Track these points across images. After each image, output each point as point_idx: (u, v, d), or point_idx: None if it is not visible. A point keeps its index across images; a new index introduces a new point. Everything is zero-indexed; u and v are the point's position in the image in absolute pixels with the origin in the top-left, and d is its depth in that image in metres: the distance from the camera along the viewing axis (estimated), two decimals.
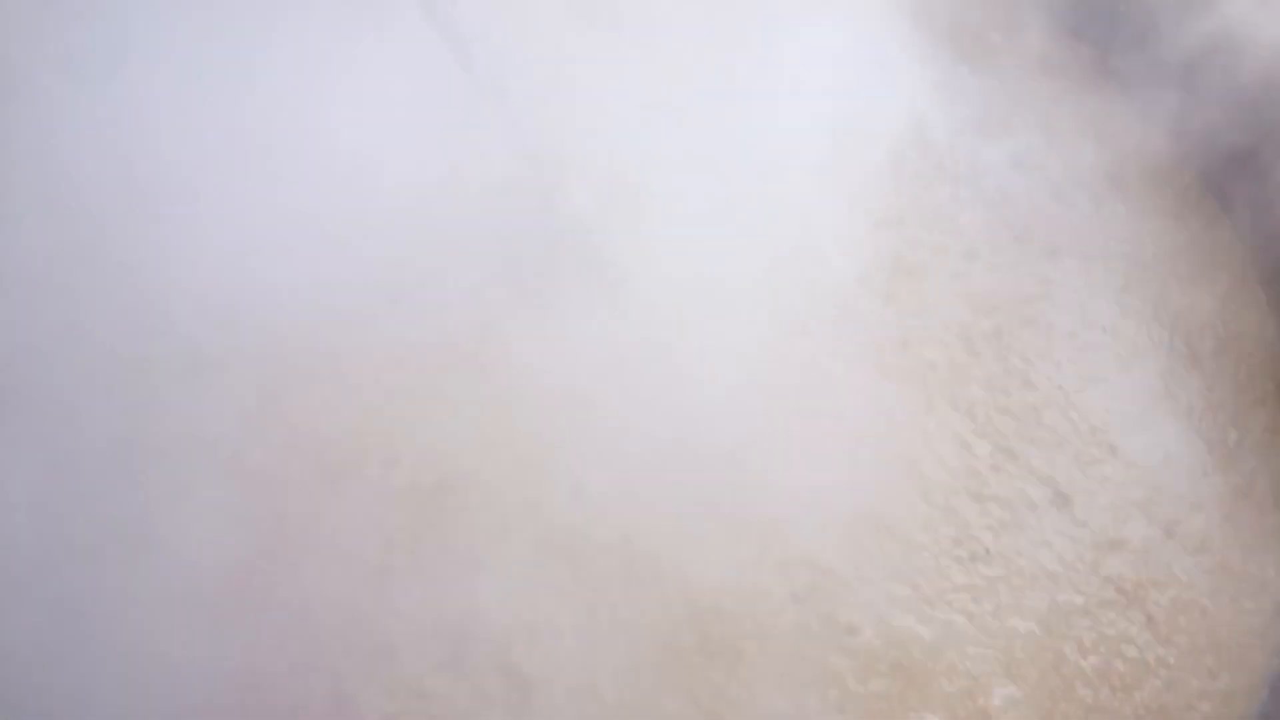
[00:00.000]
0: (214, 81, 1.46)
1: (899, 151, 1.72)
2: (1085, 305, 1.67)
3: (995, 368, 1.59)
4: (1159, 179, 1.81)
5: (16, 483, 1.22)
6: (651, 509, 1.38)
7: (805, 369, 1.53)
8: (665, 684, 1.29)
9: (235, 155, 1.41)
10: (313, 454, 1.37)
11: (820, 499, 1.44)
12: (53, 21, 1.46)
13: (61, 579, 1.22)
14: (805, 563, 1.39)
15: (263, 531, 1.28)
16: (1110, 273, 1.70)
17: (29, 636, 1.17)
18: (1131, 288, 1.70)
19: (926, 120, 1.75)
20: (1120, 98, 1.87)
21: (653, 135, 1.60)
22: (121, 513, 1.25)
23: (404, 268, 1.45)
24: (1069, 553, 1.49)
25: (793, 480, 1.43)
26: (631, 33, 1.67)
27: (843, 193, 1.65)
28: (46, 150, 1.42)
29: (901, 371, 1.56)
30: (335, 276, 1.42)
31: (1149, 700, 1.42)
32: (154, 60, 1.43)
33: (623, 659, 1.29)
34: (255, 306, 1.34)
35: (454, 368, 1.46)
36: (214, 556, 1.22)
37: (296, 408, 1.39)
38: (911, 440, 1.51)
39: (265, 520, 1.29)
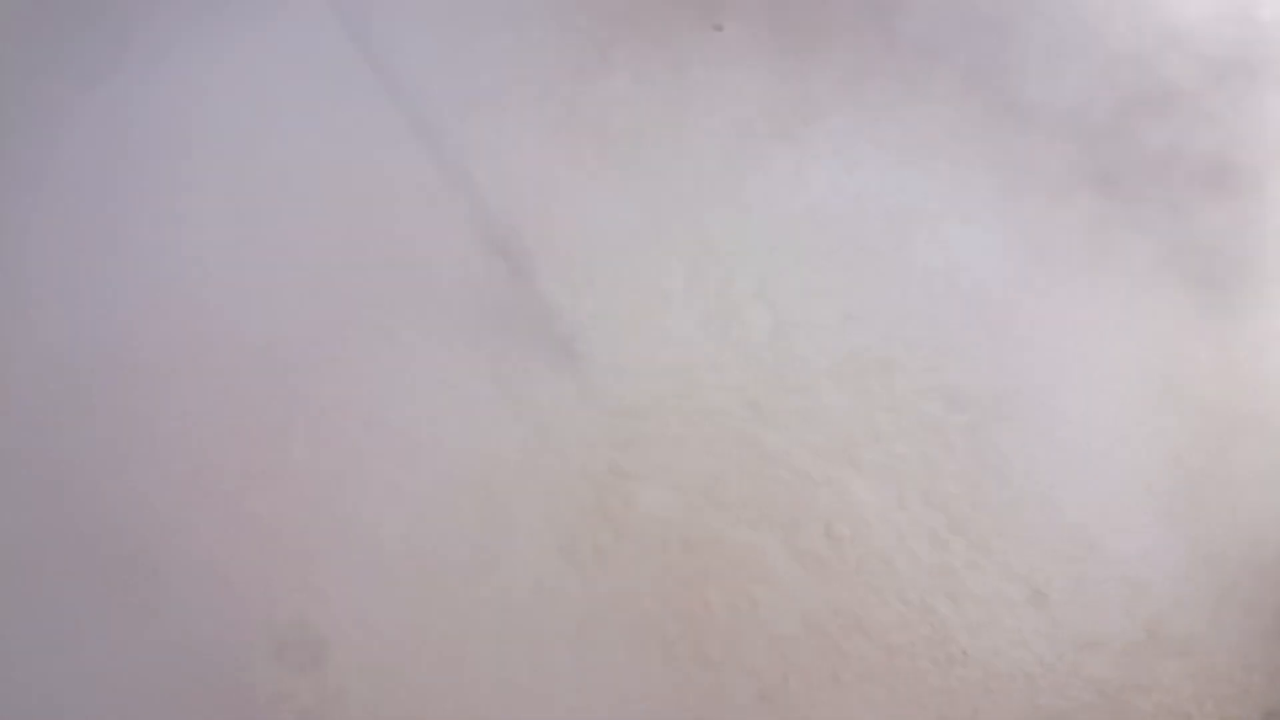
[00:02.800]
0: None
1: (869, 245, 1.73)
2: (1062, 401, 1.65)
3: (970, 463, 1.57)
4: (1145, 278, 1.82)
5: None
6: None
7: (773, 460, 1.50)
8: None
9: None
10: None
11: (794, 596, 1.40)
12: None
13: None
14: (780, 660, 1.35)
15: None
16: (1090, 367, 1.69)
17: None
18: (1119, 383, 1.67)
19: (895, 214, 1.76)
20: (1107, 199, 1.89)
21: (620, 228, 1.62)
22: None
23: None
24: (1048, 654, 1.45)
25: (760, 578, 1.41)
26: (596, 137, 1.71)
27: (811, 288, 1.65)
28: None
29: (873, 465, 1.54)
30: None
31: None
32: None
33: None
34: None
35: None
36: None
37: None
38: (885, 536, 1.48)
39: None
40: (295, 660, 1.25)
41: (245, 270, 1.51)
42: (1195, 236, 1.75)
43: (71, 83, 1.54)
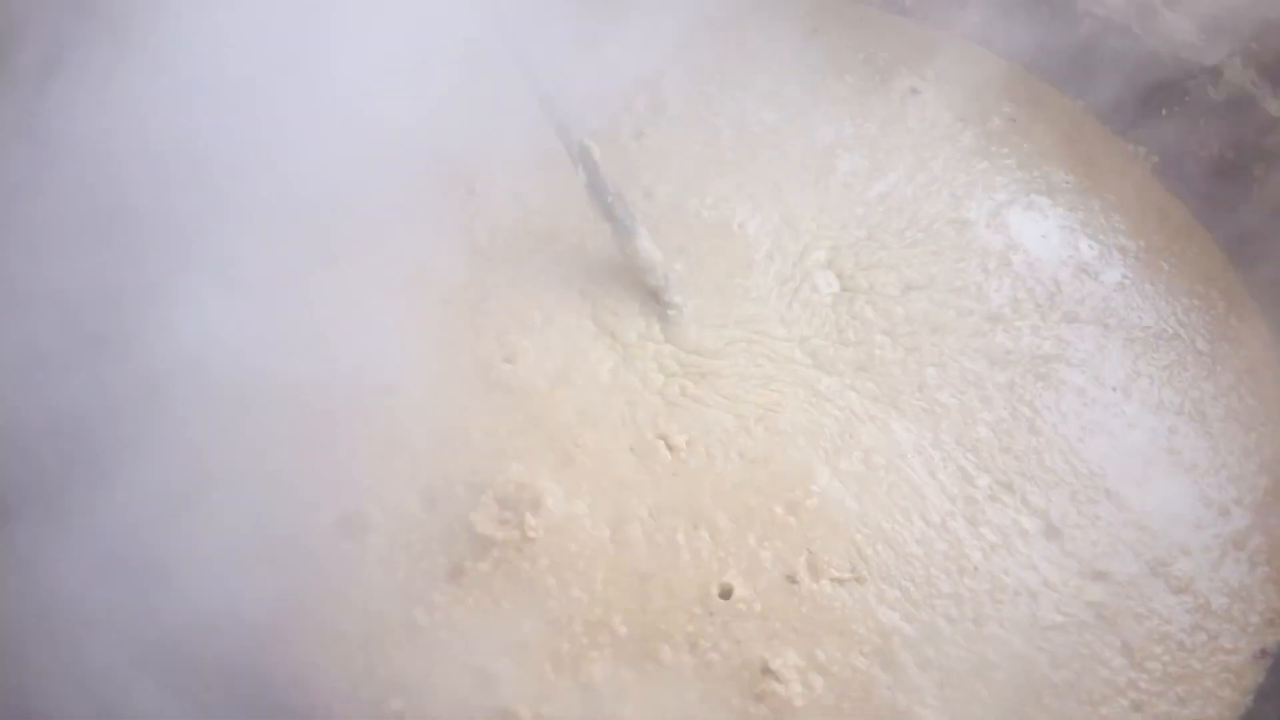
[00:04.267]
0: None
1: (933, 227, 1.97)
2: (1099, 367, 1.84)
3: (1004, 414, 1.79)
4: (1189, 261, 1.98)
5: None
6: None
7: (829, 400, 1.78)
8: None
9: None
10: None
11: (828, 506, 1.68)
12: None
13: None
14: (804, 551, 1.63)
15: None
16: (1128, 340, 1.87)
17: None
18: (1147, 355, 1.86)
19: (962, 199, 2.00)
20: (1158, 185, 2.06)
21: (715, 205, 1.95)
22: None
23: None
24: (1054, 577, 1.66)
25: (805, 489, 1.69)
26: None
27: (876, 261, 1.92)
28: None
29: (915, 410, 1.78)
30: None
31: (1114, 716, 1.56)
32: None
33: None
34: None
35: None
36: None
37: None
38: (917, 468, 1.73)
39: None
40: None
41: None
42: None
43: None
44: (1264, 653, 1.63)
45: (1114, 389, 1.83)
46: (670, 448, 1.71)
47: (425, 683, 1.52)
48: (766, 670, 1.55)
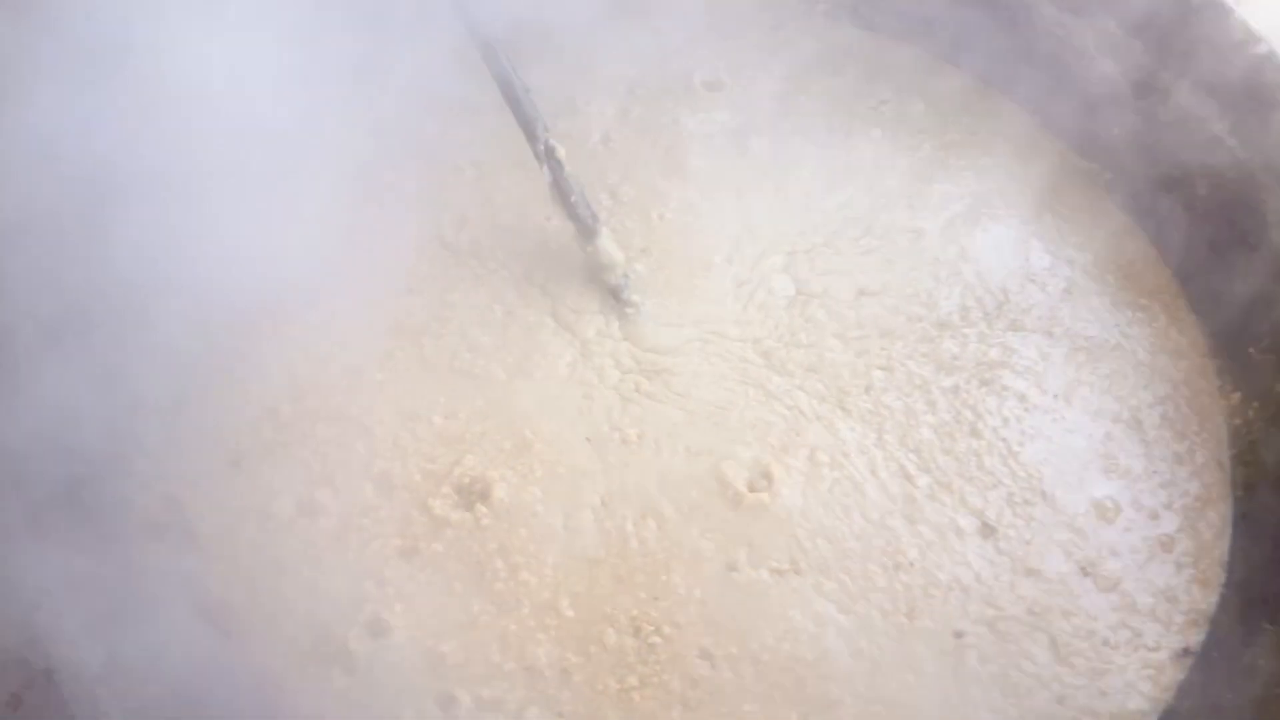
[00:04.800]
0: None
1: (889, 236, 2.04)
2: (1042, 374, 1.91)
3: (947, 417, 1.86)
4: (1135, 275, 2.04)
5: None
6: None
7: (778, 399, 1.84)
8: None
9: None
10: None
11: (772, 501, 1.74)
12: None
13: None
14: (745, 543, 1.70)
15: None
16: (1072, 349, 1.94)
17: None
18: (1089, 364, 1.93)
19: (918, 210, 2.07)
20: (1108, 200, 2.13)
21: (677, 209, 2.02)
22: None
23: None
24: (986, 574, 1.72)
25: (755, 482, 1.75)
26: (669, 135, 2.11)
27: (831, 267, 1.98)
28: None
29: (861, 411, 1.85)
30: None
31: (1038, 708, 1.63)
32: None
33: None
34: None
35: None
36: None
37: None
38: (860, 467, 1.79)
39: None
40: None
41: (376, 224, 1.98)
42: None
43: None
44: (1186, 651, 1.69)
45: (1055, 395, 1.89)
46: (624, 441, 1.78)
47: (373, 660, 1.59)
48: (705, 654, 1.62)
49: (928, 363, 1.91)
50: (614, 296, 1.91)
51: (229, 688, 1.56)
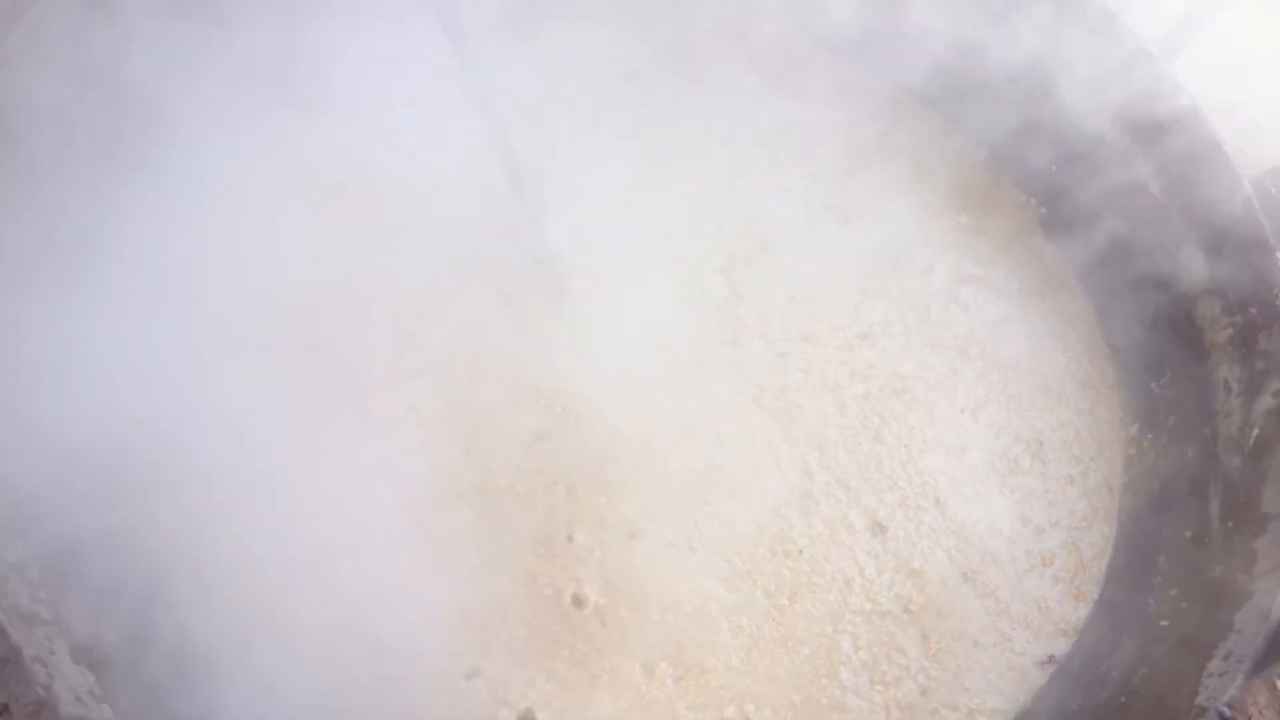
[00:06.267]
0: None
1: (824, 245, 2.14)
2: (953, 390, 2.01)
3: (854, 421, 1.96)
4: (1057, 306, 2.14)
5: None
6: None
7: (697, 389, 1.95)
8: None
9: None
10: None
11: (676, 480, 1.85)
12: None
13: None
14: (647, 514, 1.81)
15: None
16: (986, 369, 2.04)
17: None
18: (1001, 385, 2.03)
19: (857, 228, 2.17)
20: (1039, 233, 2.23)
21: (627, 205, 2.13)
22: None
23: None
24: (870, 570, 1.82)
25: (659, 462, 1.86)
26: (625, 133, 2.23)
27: (765, 272, 2.09)
28: None
29: (774, 407, 1.95)
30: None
31: (901, 698, 1.72)
32: None
33: None
34: None
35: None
36: None
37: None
38: (764, 457, 1.90)
39: None
40: None
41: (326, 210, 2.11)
42: None
43: None
44: (1051, 659, 1.78)
45: (962, 410, 1.99)
46: (547, 411, 1.90)
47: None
48: (594, 608, 1.73)
49: (843, 369, 2.02)
50: (555, 282, 2.02)
51: None
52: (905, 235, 2.18)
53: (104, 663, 1.41)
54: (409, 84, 2.04)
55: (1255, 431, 1.77)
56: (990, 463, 1.95)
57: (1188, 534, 1.79)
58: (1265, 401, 1.78)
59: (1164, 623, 1.71)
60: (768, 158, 2.25)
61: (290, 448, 1.77)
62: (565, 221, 2.05)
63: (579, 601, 1.73)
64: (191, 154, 1.98)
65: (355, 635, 1.66)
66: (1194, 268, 1.98)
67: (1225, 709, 1.47)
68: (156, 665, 1.48)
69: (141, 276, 1.86)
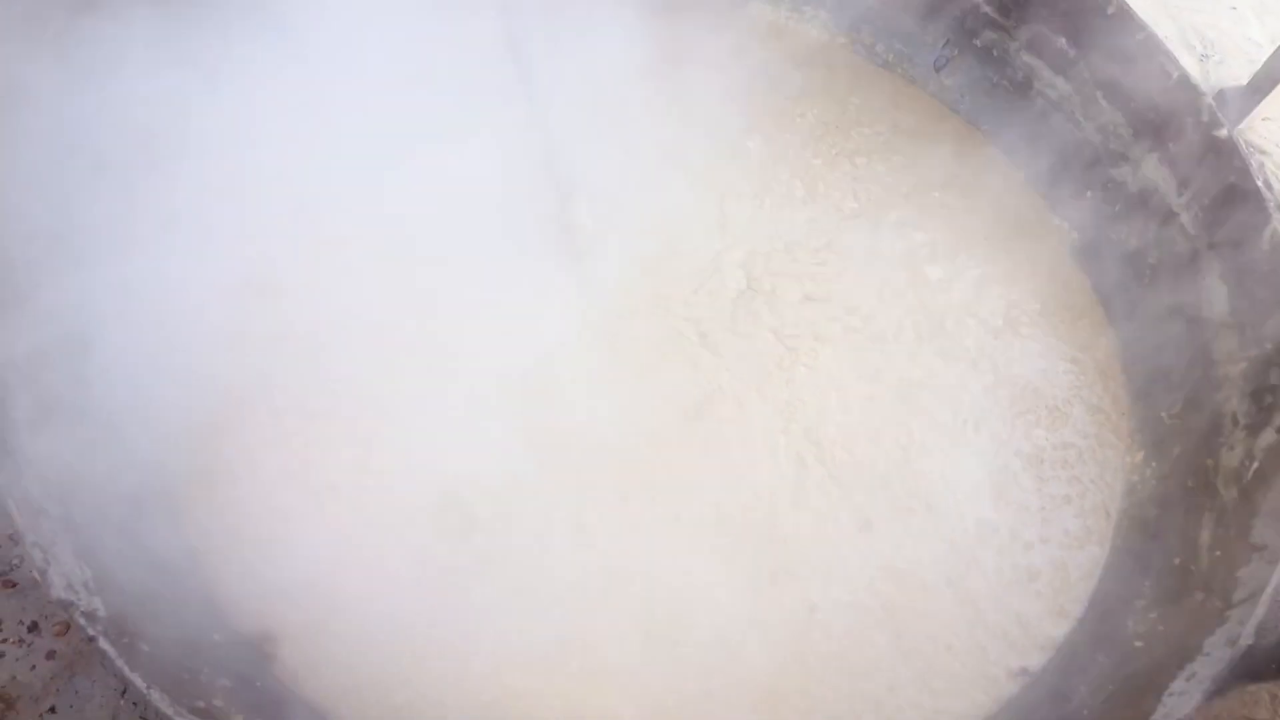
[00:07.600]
0: None
1: (848, 254, 2.18)
2: (958, 399, 2.02)
3: (855, 420, 1.98)
4: (1076, 330, 2.14)
5: None
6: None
7: (703, 374, 2.00)
8: None
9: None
10: None
11: (672, 448, 1.91)
12: None
13: None
14: (643, 490, 1.86)
15: None
16: (995, 383, 2.04)
17: None
18: (1008, 401, 2.03)
19: (883, 236, 2.20)
20: (1070, 256, 2.23)
21: (657, 197, 2.20)
22: None
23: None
24: (854, 564, 1.84)
25: (659, 437, 1.92)
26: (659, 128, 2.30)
27: (784, 270, 2.14)
28: None
29: (776, 399, 1.99)
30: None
31: (867, 690, 1.74)
32: None
33: None
34: None
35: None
36: None
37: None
38: (762, 447, 1.94)
39: None
40: None
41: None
42: None
43: None
44: (1025, 671, 1.78)
45: (965, 421, 2.00)
46: (555, 381, 1.96)
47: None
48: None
49: (851, 370, 2.05)
50: (579, 259, 2.10)
51: None
52: (931, 248, 2.21)
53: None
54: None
55: (1255, 465, 1.75)
56: (987, 474, 1.96)
57: (1176, 560, 1.78)
58: (1268, 436, 1.76)
59: (1138, 644, 1.70)
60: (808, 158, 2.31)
61: None
62: (596, 212, 2.13)
63: None
64: None
65: None
66: (1216, 301, 1.97)
67: None
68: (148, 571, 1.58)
69: None
